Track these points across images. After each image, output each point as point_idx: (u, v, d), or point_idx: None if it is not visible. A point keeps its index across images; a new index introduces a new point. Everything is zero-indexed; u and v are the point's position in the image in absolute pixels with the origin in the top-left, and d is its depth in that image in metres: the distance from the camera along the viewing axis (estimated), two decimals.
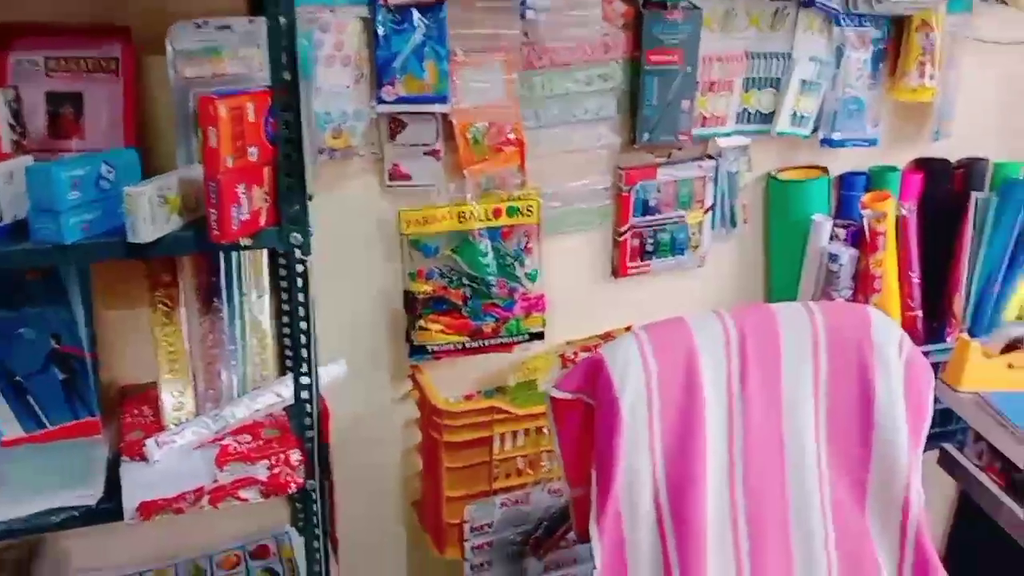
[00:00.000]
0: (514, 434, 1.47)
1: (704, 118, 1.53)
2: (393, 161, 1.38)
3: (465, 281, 1.44)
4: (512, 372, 1.57)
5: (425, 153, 1.38)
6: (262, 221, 1.08)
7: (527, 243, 1.45)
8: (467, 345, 1.46)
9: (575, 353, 1.60)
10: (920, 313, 1.76)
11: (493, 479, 1.48)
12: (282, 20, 1.00)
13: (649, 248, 1.60)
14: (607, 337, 1.63)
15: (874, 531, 1.30)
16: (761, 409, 1.24)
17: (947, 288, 1.75)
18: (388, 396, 1.56)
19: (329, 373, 1.33)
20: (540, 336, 1.50)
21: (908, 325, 1.75)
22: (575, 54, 1.40)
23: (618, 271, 1.60)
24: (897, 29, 1.59)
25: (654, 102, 1.45)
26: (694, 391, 1.19)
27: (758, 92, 1.54)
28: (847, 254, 1.56)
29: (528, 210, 1.44)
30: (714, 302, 1.71)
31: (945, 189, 1.76)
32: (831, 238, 1.60)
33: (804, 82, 1.55)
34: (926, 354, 1.76)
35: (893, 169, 1.70)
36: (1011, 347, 1.59)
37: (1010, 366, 1.58)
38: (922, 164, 1.77)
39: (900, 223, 1.71)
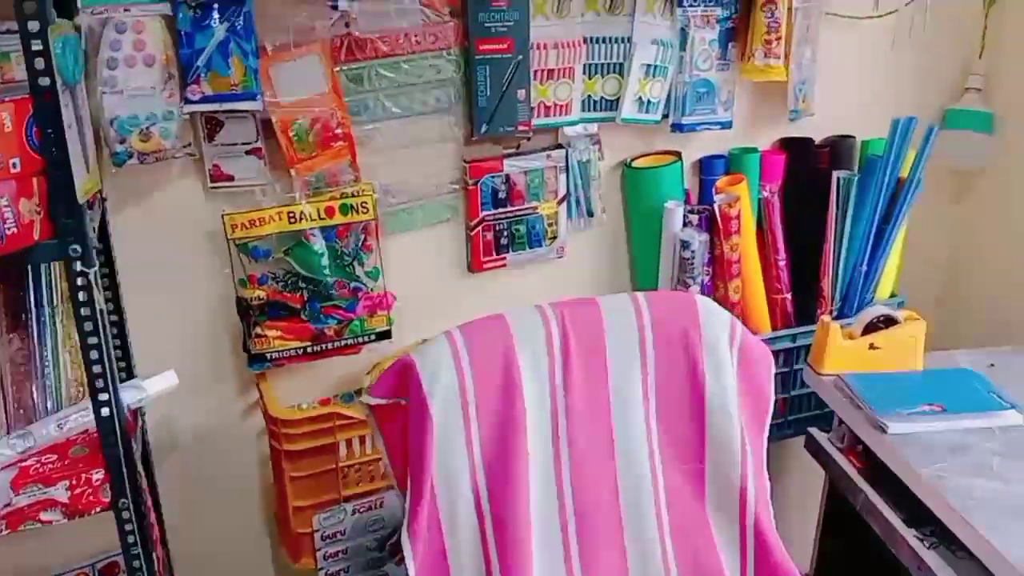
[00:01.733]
0: (361, 439, 1.43)
1: (547, 107, 1.49)
2: (213, 162, 1.33)
3: (301, 284, 1.39)
4: (368, 373, 1.53)
5: (247, 152, 1.34)
6: (36, 234, 1.03)
7: (365, 241, 1.41)
8: (309, 350, 1.41)
9: None
10: (789, 296, 1.74)
11: (343, 486, 1.44)
12: (31, 25, 0.95)
13: (504, 241, 1.57)
14: None
15: (715, 523, 1.28)
16: (587, 405, 1.21)
17: (816, 269, 1.73)
18: (238, 407, 1.51)
19: (155, 385, 1.28)
20: (387, 335, 1.46)
21: (778, 308, 1.74)
22: (400, 45, 1.35)
23: (473, 265, 1.57)
24: (745, 6, 1.56)
25: (488, 93, 1.41)
26: (513, 391, 1.16)
27: (601, 79, 1.51)
28: (698, 240, 1.53)
29: (363, 207, 1.39)
30: (576, 292, 1.68)
31: (810, 169, 1.74)
32: (684, 224, 1.57)
33: (648, 66, 1.51)
34: (795, 337, 1.76)
35: (752, 151, 1.68)
36: (873, 327, 1.57)
37: (872, 347, 1.57)
38: (786, 145, 1.75)
39: (764, 205, 1.69)
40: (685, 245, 1.54)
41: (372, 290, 1.43)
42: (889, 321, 1.57)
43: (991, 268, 1.88)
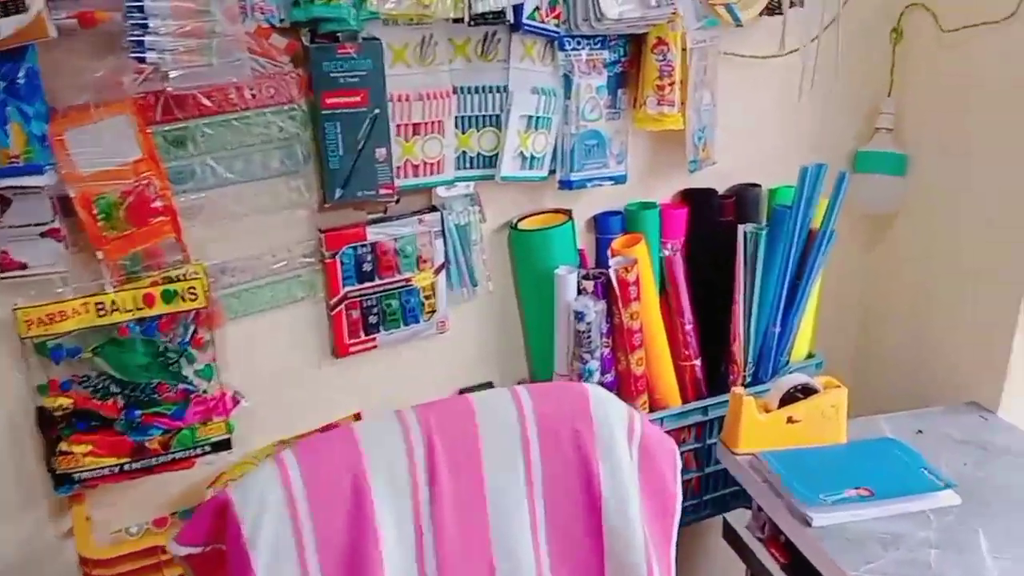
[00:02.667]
0: None
1: (415, 166, 1.29)
2: (1, 248, 1.09)
3: (116, 389, 1.15)
4: (211, 486, 1.29)
5: (42, 235, 1.10)
6: None
7: (195, 333, 1.18)
8: (128, 467, 1.17)
9: None
10: (698, 362, 1.58)
11: None
12: None
13: (373, 320, 1.36)
14: (331, 429, 1.37)
15: None
16: (461, 530, 1.00)
17: (726, 332, 1.57)
18: (53, 535, 1.25)
19: None
20: (225, 446, 1.23)
21: (687, 377, 1.57)
22: (229, 100, 1.14)
23: (338, 350, 1.35)
24: (634, 49, 1.40)
25: (340, 152, 1.21)
26: (364, 526, 0.94)
27: (476, 133, 1.32)
28: (594, 310, 1.35)
29: (191, 292, 1.16)
30: (461, 372, 1.48)
31: (714, 223, 1.58)
32: (578, 292, 1.39)
33: (529, 118, 1.33)
34: (706, 409, 1.60)
35: (651, 206, 1.51)
36: (790, 398, 1.41)
37: (790, 420, 1.41)
38: (687, 197, 1.59)
39: (666, 265, 1.52)
40: (580, 316, 1.35)
41: (205, 392, 1.20)
42: (807, 391, 1.41)
43: (910, 317, 1.76)
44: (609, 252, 1.42)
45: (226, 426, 1.22)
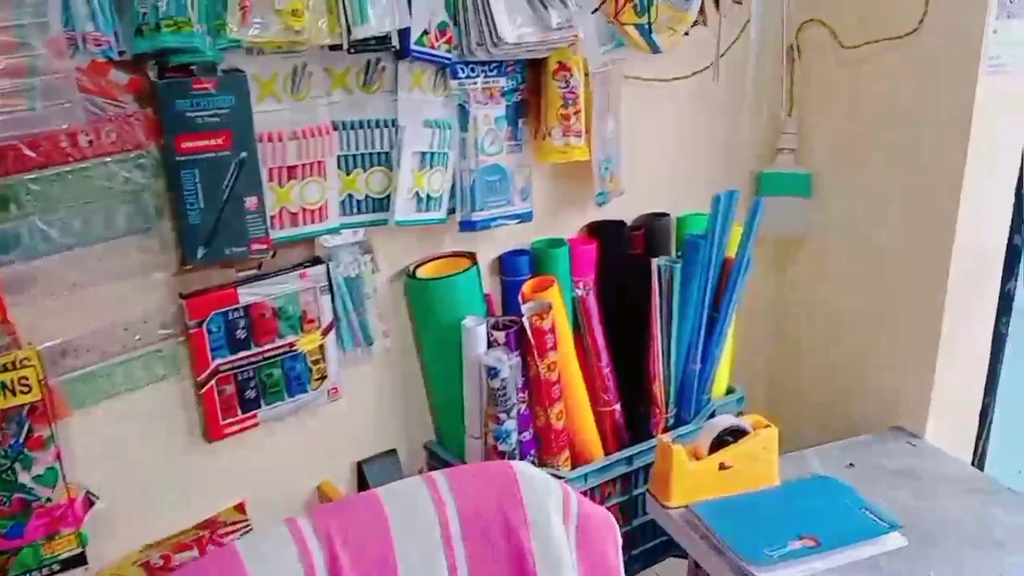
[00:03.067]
0: None
1: (293, 214, 1.12)
2: None
3: None
4: None
5: None
6: None
7: (31, 432, 0.97)
8: None
9: (164, 556, 1.13)
10: (618, 407, 1.46)
11: None
12: None
13: (252, 394, 1.17)
14: (210, 525, 1.17)
15: None
16: None
17: (644, 372, 1.46)
18: None
19: None
20: (79, 561, 1.01)
21: (607, 423, 1.45)
22: (60, 150, 0.94)
23: (211, 432, 1.15)
24: (533, 75, 1.28)
25: (201, 204, 1.02)
26: None
27: (363, 173, 1.16)
28: (507, 364, 1.21)
29: (23, 383, 0.95)
30: (360, 442, 1.31)
31: (625, 256, 1.48)
32: (489, 344, 1.24)
33: (423, 155, 1.18)
34: (631, 459, 1.48)
35: (559, 243, 1.39)
36: (721, 442, 1.31)
37: (722, 466, 1.31)
38: (596, 231, 1.48)
39: (579, 305, 1.40)
40: (493, 373, 1.21)
41: (49, 500, 0.99)
42: (737, 433, 1.32)
43: (826, 343, 1.70)
44: (520, 297, 1.29)
45: (78, 538, 1.01)
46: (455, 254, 1.31)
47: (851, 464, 1.44)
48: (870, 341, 1.60)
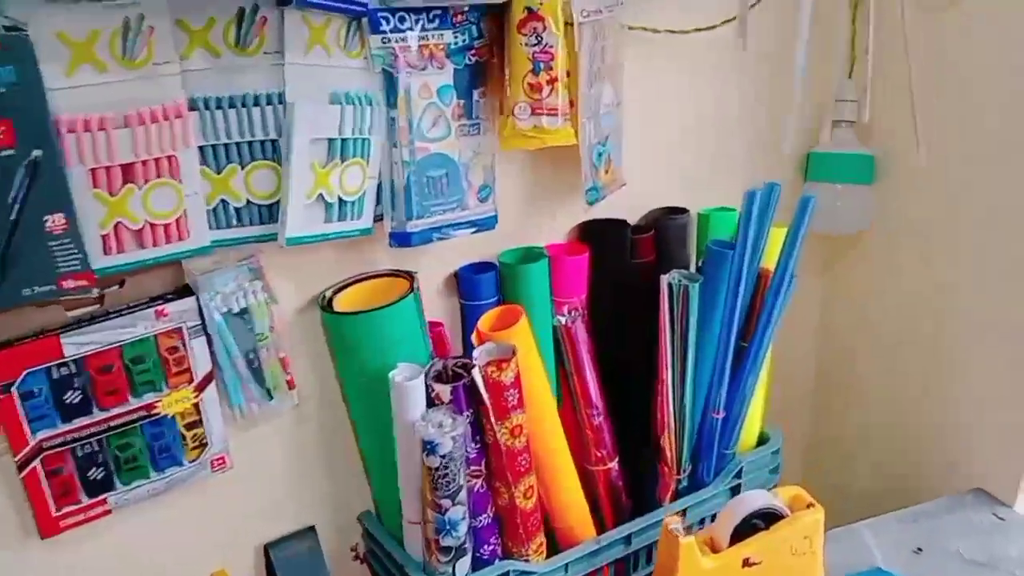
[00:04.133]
0: None
1: (137, 231, 0.78)
2: None
3: None
4: None
5: None
6: None
7: None
8: None
9: None
10: (615, 465, 1.13)
11: None
12: None
13: (98, 475, 0.85)
14: None
15: None
16: None
17: (650, 419, 1.12)
18: None
19: None
20: None
21: (600, 484, 1.12)
22: None
23: (43, 528, 0.84)
24: (493, 27, 0.92)
25: None
26: None
27: (241, 170, 0.82)
28: (450, 436, 0.87)
29: None
30: (264, 519, 0.99)
31: (628, 268, 1.13)
32: (429, 404, 0.91)
33: (330, 142, 0.84)
34: (629, 539, 1.14)
35: (535, 255, 1.04)
36: (746, 529, 0.97)
37: (747, 563, 0.97)
38: (588, 235, 1.12)
39: (562, 337, 1.06)
40: (431, 448, 0.87)
41: None
42: (770, 516, 0.98)
43: (886, 378, 1.34)
44: (474, 337, 0.95)
45: None
46: (389, 273, 0.97)
47: (919, 549, 1.09)
48: (944, 376, 1.24)
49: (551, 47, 0.87)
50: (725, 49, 1.15)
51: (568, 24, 0.91)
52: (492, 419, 0.91)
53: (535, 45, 0.87)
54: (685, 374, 1.09)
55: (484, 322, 0.96)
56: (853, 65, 1.26)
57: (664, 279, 1.06)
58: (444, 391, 0.90)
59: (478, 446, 0.94)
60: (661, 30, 1.08)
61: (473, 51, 0.90)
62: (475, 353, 0.91)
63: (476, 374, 0.89)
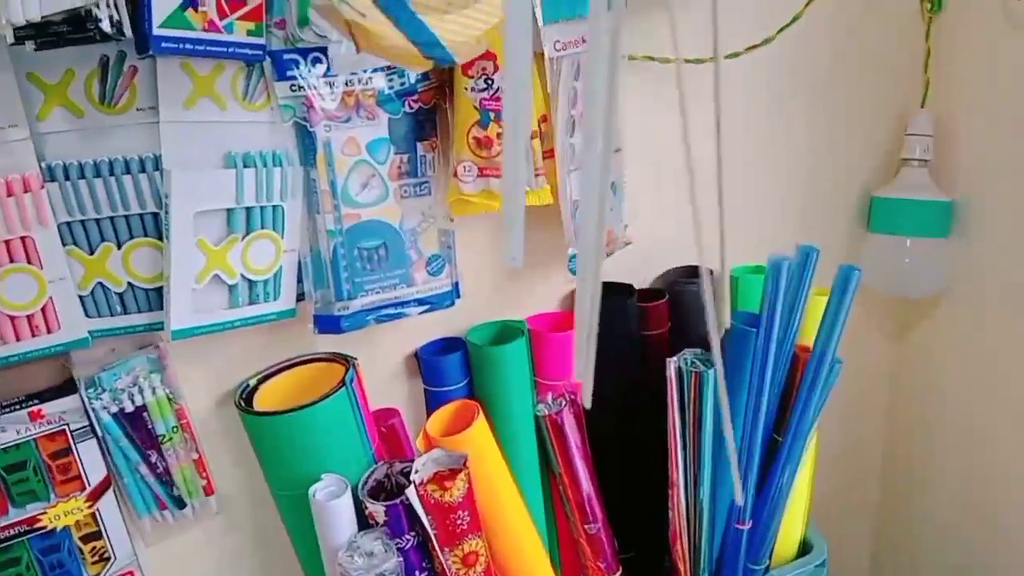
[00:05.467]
0: None
1: None
2: None
3: None
4: None
5: None
6: None
7: None
8: None
9: None
10: None
11: None
12: None
13: None
14: None
15: None
16: None
17: (661, 525, 0.93)
18: None
19: None
20: None
21: None
22: None
23: None
24: (448, 68, 0.75)
25: None
26: None
27: (117, 249, 0.68)
28: (383, 567, 0.71)
29: None
30: None
31: (634, 342, 0.94)
32: (365, 522, 0.75)
33: (231, 213, 0.69)
34: None
35: (513, 331, 0.87)
36: None
37: None
38: None
39: (545, 429, 0.88)
40: None
41: None
42: None
43: (968, 469, 1.10)
44: (419, 442, 0.78)
45: None
46: (325, 357, 0.81)
47: None
48: None
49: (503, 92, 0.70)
50: (756, 77, 0.95)
51: (540, 57, 0.74)
52: (437, 547, 0.74)
53: (484, 90, 0.70)
54: (700, 476, 0.90)
55: (435, 422, 0.79)
56: (927, 91, 1.03)
57: (672, 362, 0.87)
58: (378, 511, 0.74)
59: (426, 569, 0.78)
60: (673, 59, 0.89)
61: (415, 96, 0.74)
62: (416, 464, 0.75)
63: (411, 495, 0.72)
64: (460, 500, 0.74)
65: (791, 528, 0.98)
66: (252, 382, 0.80)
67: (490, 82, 0.70)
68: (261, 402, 0.78)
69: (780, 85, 0.97)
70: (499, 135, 0.70)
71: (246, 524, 0.85)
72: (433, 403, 0.87)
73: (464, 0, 0.50)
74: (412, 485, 0.73)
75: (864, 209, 1.09)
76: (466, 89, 0.70)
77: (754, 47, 0.91)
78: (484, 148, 0.70)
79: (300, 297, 0.76)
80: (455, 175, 0.71)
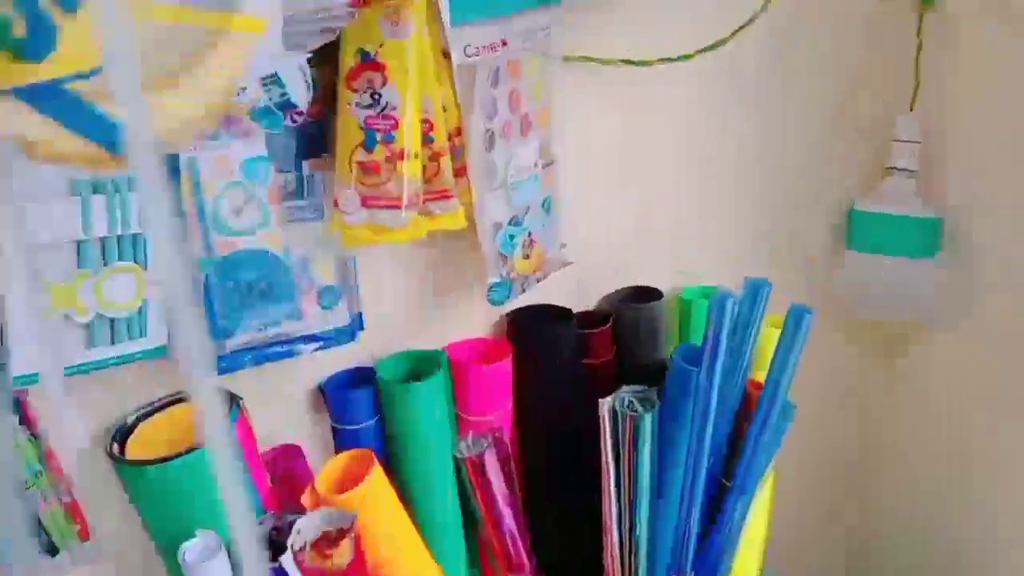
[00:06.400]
0: None
1: None
2: None
3: None
4: None
5: None
6: None
7: None
8: None
9: None
10: None
11: None
12: None
13: None
14: None
15: None
16: None
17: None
18: None
19: None
20: None
21: None
22: None
23: None
24: (327, 79, 0.65)
25: None
26: None
27: None
28: None
29: None
30: None
31: (573, 373, 0.85)
32: None
33: (80, 245, 0.61)
34: None
35: (428, 363, 0.78)
36: None
37: None
38: (517, 330, 0.85)
39: (464, 474, 0.80)
40: None
41: None
42: None
43: (949, 515, 1.01)
44: (306, 498, 0.70)
45: None
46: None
47: None
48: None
49: (393, 110, 0.61)
50: (713, 79, 0.84)
51: (445, 55, 0.64)
52: None
53: (370, 106, 0.61)
54: (635, 526, 0.82)
55: (326, 474, 0.71)
56: (916, 93, 0.92)
57: (604, 404, 0.78)
58: None
59: None
60: (615, 60, 0.78)
61: (297, 109, 0.64)
62: (299, 525, 0.67)
63: (287, 562, 0.64)
64: (345, 568, 0.66)
65: (746, 557, 0.90)
66: (130, 420, 0.72)
67: (377, 97, 0.60)
68: (137, 444, 0.70)
69: (738, 92, 0.87)
70: (387, 158, 0.61)
71: (135, 571, 0.78)
72: (341, 441, 0.79)
73: (162, 77, 0.40)
74: (289, 550, 0.65)
75: (843, 221, 0.98)
76: (349, 105, 0.61)
77: (720, 44, 0.80)
78: (369, 174, 0.61)
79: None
80: (335, 205, 0.62)
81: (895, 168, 0.93)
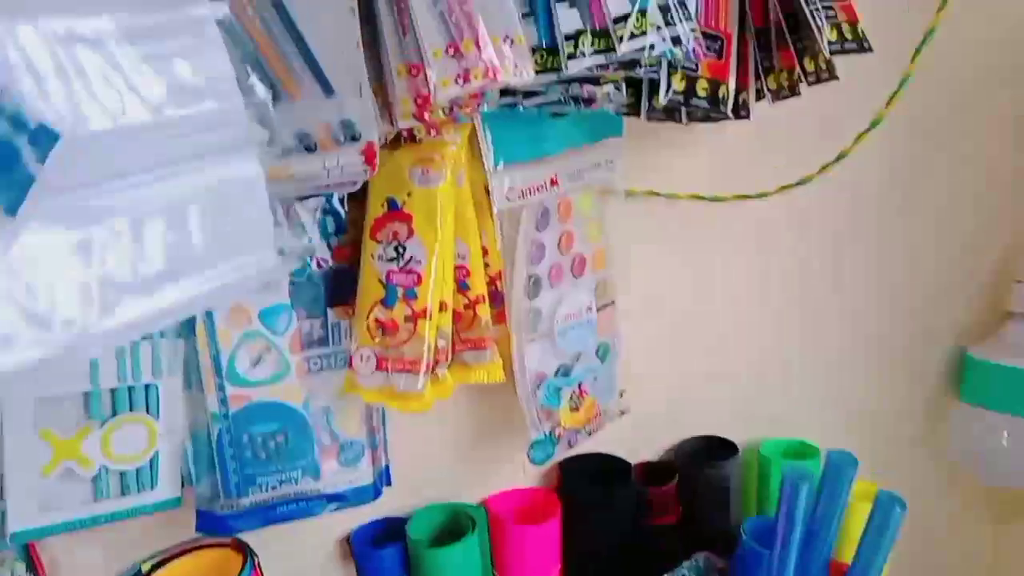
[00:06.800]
0: None
1: None
2: None
3: None
4: None
5: None
6: None
7: None
8: None
9: None
10: None
11: None
12: None
13: None
14: None
15: None
16: None
17: None
18: None
19: None
20: None
21: None
22: None
23: None
24: (360, 216, 0.61)
25: None
26: None
27: None
28: None
29: None
30: None
31: (635, 534, 0.76)
32: None
33: (88, 396, 0.58)
34: None
35: (463, 516, 0.71)
36: None
37: None
38: (567, 484, 0.77)
39: None
40: None
41: None
42: None
43: None
44: None
45: None
46: (223, 544, 0.68)
47: None
48: None
49: (417, 264, 0.55)
50: (799, 215, 0.75)
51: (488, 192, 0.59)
52: None
53: (392, 260, 0.55)
54: None
55: None
56: None
57: None
58: None
59: None
60: (684, 196, 0.71)
61: (325, 255, 0.60)
62: None
63: None
64: None
65: None
66: (145, 567, 0.68)
67: (401, 250, 0.55)
68: None
69: (851, 213, 0.78)
70: (407, 317, 0.55)
71: None
72: None
73: None
74: None
75: (955, 369, 0.86)
76: (372, 257, 0.56)
77: (802, 182, 0.72)
78: (387, 334, 0.56)
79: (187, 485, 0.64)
80: (350, 365, 0.57)
81: (1018, 313, 0.81)
